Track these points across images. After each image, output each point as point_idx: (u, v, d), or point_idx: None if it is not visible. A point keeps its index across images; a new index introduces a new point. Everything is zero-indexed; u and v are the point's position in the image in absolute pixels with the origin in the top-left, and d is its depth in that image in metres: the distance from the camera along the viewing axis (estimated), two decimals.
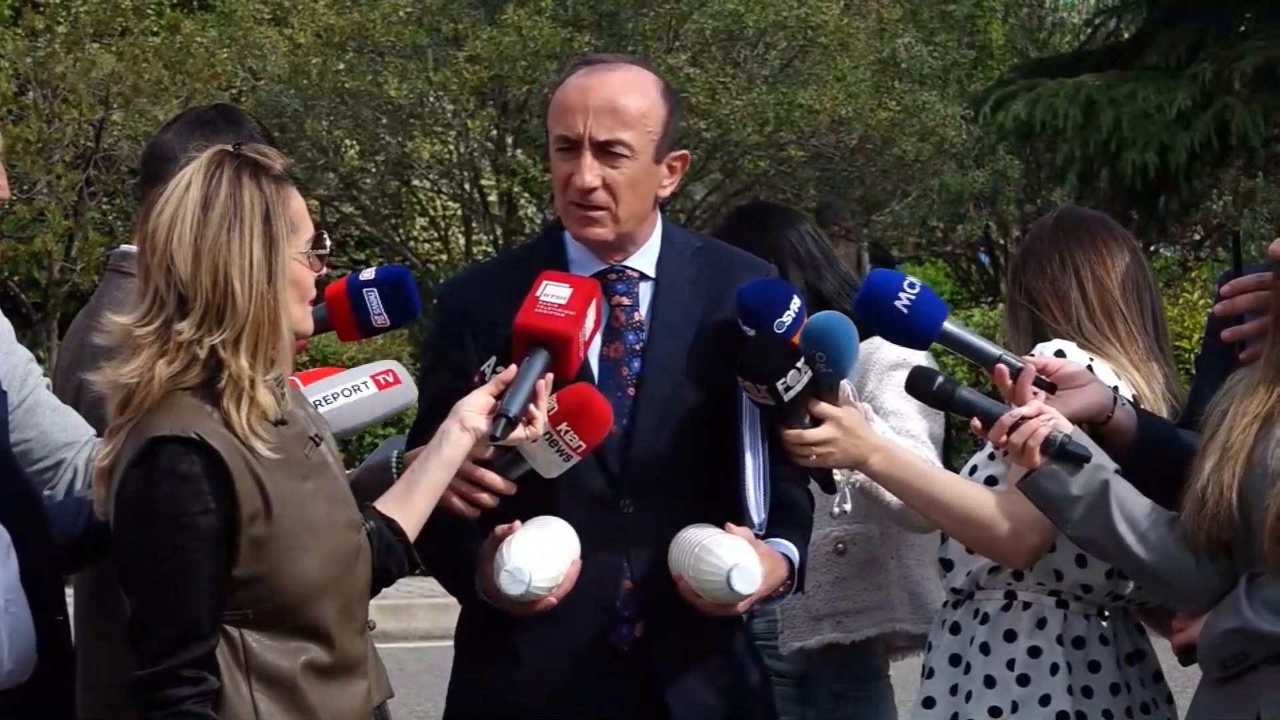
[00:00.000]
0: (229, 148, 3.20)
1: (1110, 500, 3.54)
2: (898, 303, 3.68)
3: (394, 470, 3.64)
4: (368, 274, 3.84)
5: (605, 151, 3.65)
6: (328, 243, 3.25)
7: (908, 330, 3.73)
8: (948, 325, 3.72)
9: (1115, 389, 3.77)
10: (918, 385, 3.70)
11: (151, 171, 3.92)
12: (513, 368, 3.46)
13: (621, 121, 3.65)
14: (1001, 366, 3.66)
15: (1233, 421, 3.50)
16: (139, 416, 3.10)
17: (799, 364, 3.56)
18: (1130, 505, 3.56)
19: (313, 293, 3.24)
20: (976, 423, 3.62)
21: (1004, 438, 3.58)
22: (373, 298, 3.78)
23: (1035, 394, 3.62)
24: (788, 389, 3.55)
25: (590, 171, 3.64)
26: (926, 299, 3.70)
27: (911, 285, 3.70)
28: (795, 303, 3.66)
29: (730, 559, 3.49)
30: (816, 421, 3.63)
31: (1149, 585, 3.70)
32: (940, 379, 3.68)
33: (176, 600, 3.05)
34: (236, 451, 3.08)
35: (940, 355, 4.36)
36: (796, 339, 3.65)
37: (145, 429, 3.08)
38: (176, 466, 3.05)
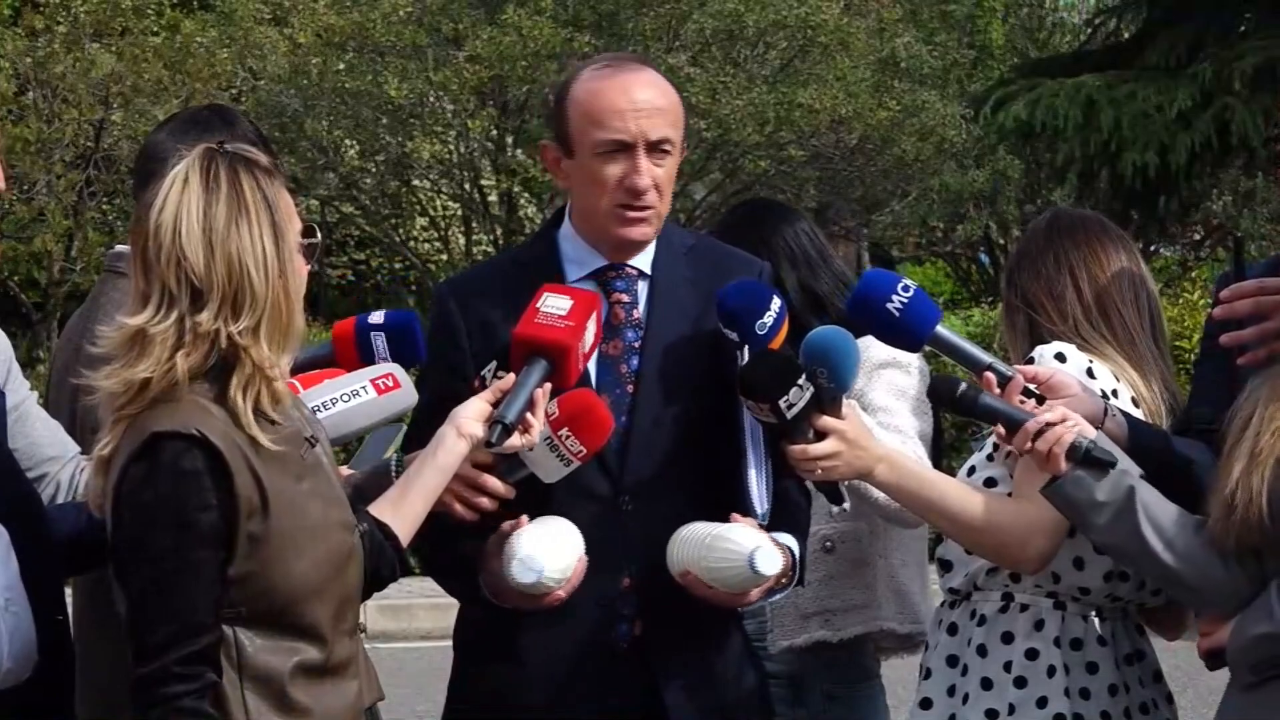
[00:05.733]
0: (214, 145, 3.21)
1: (1136, 506, 3.52)
2: (890, 304, 3.68)
3: (394, 473, 3.65)
4: (376, 317, 3.87)
5: (654, 150, 3.69)
6: (318, 236, 3.28)
7: (899, 332, 3.72)
8: (940, 329, 3.71)
9: (1107, 396, 3.76)
10: (940, 392, 3.69)
11: (146, 171, 3.93)
12: (510, 376, 3.47)
13: (669, 120, 3.71)
14: (990, 375, 3.66)
15: (1260, 426, 3.47)
16: (142, 408, 3.10)
17: (800, 380, 3.56)
18: (1156, 511, 3.54)
19: (303, 287, 3.25)
20: (1001, 429, 3.60)
21: (1028, 444, 3.56)
22: (379, 342, 3.83)
23: (1022, 402, 3.61)
24: (790, 406, 3.55)
25: (648, 173, 3.67)
26: (920, 302, 3.69)
27: (906, 288, 3.70)
28: (775, 304, 3.66)
29: (749, 542, 3.51)
30: (820, 435, 3.63)
31: (1176, 591, 3.67)
32: (963, 386, 3.65)
33: (174, 598, 3.05)
34: (235, 448, 3.09)
35: (934, 358, 4.35)
36: (779, 341, 3.65)
37: (145, 424, 3.08)
38: (178, 462, 3.05)
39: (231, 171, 3.15)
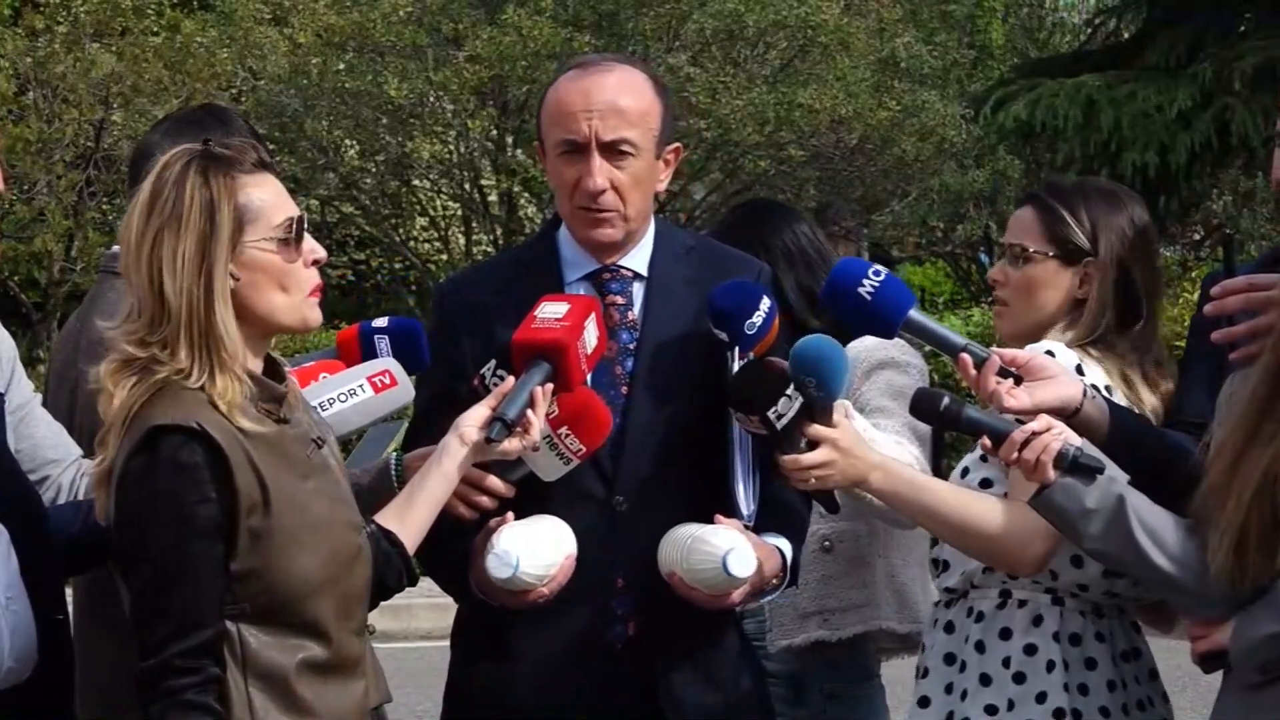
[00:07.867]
0: (195, 145, 3.20)
1: (1128, 512, 3.47)
2: (861, 289, 3.64)
3: (394, 475, 3.65)
4: (380, 322, 3.90)
5: (611, 151, 3.67)
6: (305, 227, 3.21)
7: (872, 317, 3.67)
8: (913, 314, 3.67)
9: (1093, 386, 3.74)
10: (922, 406, 3.64)
11: (139, 172, 3.93)
12: (511, 379, 3.47)
13: (626, 121, 3.68)
14: (965, 356, 3.60)
15: (1245, 465, 3.33)
16: (127, 416, 3.10)
17: (789, 391, 3.55)
18: (1148, 516, 3.49)
19: (304, 281, 3.20)
20: (986, 441, 3.57)
21: (1015, 454, 3.52)
22: (383, 344, 3.84)
23: (999, 383, 3.58)
24: (779, 417, 3.55)
25: (600, 174, 3.66)
26: (891, 286, 3.65)
27: (877, 273, 3.66)
28: (765, 303, 3.66)
29: (725, 544, 3.51)
30: (813, 445, 3.62)
31: (1172, 596, 3.61)
32: (946, 399, 3.61)
33: (174, 592, 3.06)
34: (236, 442, 3.09)
35: (934, 356, 4.33)
36: (769, 341, 3.64)
37: (145, 419, 3.09)
38: (176, 456, 3.06)
39: (182, 174, 3.12)
